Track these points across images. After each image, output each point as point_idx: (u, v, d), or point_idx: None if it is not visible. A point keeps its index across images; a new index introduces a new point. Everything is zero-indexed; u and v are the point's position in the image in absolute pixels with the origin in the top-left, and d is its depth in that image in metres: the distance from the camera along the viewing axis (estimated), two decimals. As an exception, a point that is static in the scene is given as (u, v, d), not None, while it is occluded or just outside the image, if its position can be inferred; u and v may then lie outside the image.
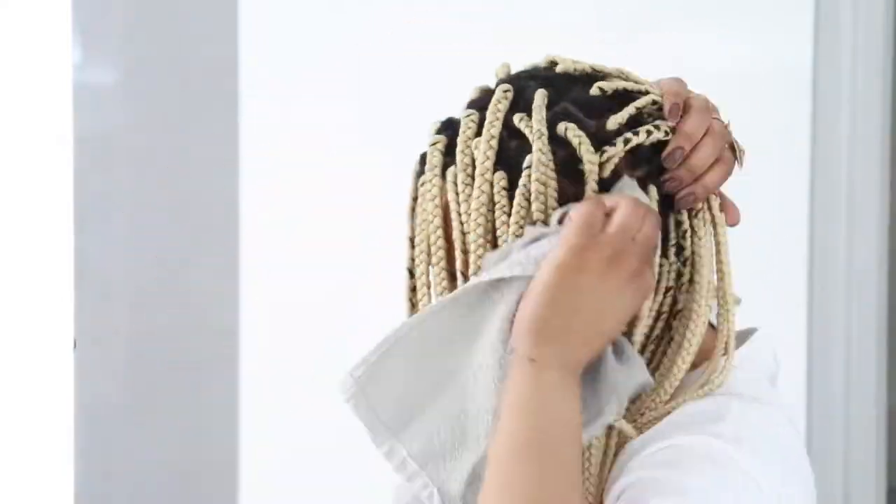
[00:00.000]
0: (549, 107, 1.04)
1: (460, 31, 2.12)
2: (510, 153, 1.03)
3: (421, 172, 1.08)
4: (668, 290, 1.08)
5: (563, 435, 0.97)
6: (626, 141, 1.03)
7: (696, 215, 1.10)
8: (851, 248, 2.02)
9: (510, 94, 1.06)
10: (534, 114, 1.03)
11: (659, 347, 1.07)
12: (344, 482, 2.15)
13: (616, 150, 1.02)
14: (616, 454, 1.03)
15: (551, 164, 1.02)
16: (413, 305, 1.08)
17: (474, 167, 1.04)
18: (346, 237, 2.21)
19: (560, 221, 1.00)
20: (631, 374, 1.02)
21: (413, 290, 1.08)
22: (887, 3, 2.01)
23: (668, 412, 1.04)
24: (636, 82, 1.10)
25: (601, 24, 2.07)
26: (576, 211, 0.99)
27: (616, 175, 1.03)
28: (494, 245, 1.03)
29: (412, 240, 1.08)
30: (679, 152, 1.04)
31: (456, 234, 1.04)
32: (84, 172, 1.45)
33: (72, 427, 0.99)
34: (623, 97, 1.07)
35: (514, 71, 1.10)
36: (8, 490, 0.95)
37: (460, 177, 1.04)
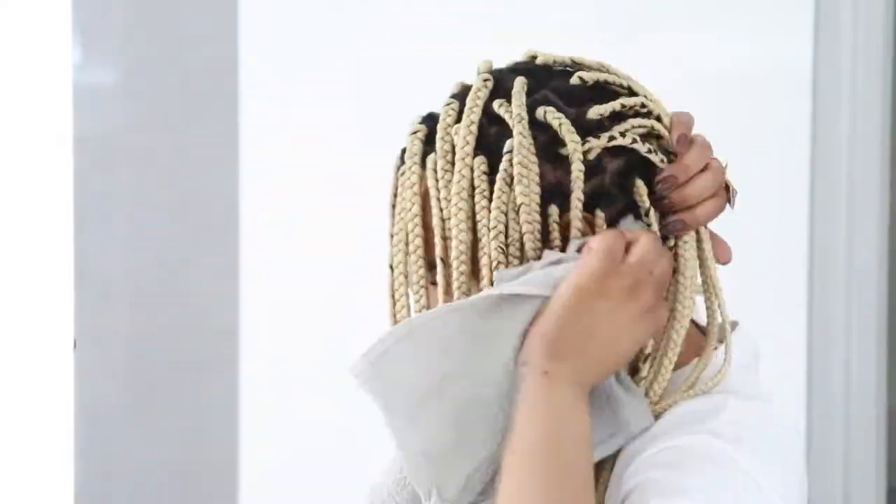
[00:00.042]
0: (528, 94, 1.04)
1: (460, 31, 2.12)
2: (490, 139, 1.03)
3: (401, 166, 1.08)
4: None
5: (577, 444, 0.98)
6: (611, 138, 1.03)
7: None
8: (851, 248, 2.02)
9: (490, 84, 1.06)
10: (513, 99, 1.03)
11: (643, 350, 1.07)
12: (344, 482, 2.14)
13: (599, 143, 1.02)
14: (615, 456, 1.04)
15: (532, 148, 1.01)
16: (395, 301, 1.08)
17: (454, 153, 1.04)
18: (346, 237, 2.21)
19: (579, 250, 1.01)
20: (634, 408, 1.02)
21: (393, 285, 1.08)
22: (887, 3, 2.01)
23: (661, 412, 1.04)
24: (616, 76, 1.09)
25: (601, 24, 2.07)
26: (598, 240, 1.00)
27: (599, 167, 1.03)
28: (474, 231, 1.03)
29: (392, 235, 1.08)
30: (672, 180, 1.05)
31: (436, 221, 1.04)
32: (84, 172, 1.44)
33: (72, 427, 0.99)
34: (604, 90, 1.07)
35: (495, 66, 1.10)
36: (8, 490, 0.95)
37: (440, 163, 1.04)
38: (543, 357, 0.98)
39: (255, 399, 2.32)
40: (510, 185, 1.01)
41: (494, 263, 1.02)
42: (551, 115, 1.02)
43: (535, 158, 1.02)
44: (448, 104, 1.07)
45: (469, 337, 1.02)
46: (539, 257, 1.02)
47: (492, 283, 1.02)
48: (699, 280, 1.14)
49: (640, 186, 1.05)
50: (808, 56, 1.98)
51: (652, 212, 1.04)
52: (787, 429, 1.09)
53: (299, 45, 2.28)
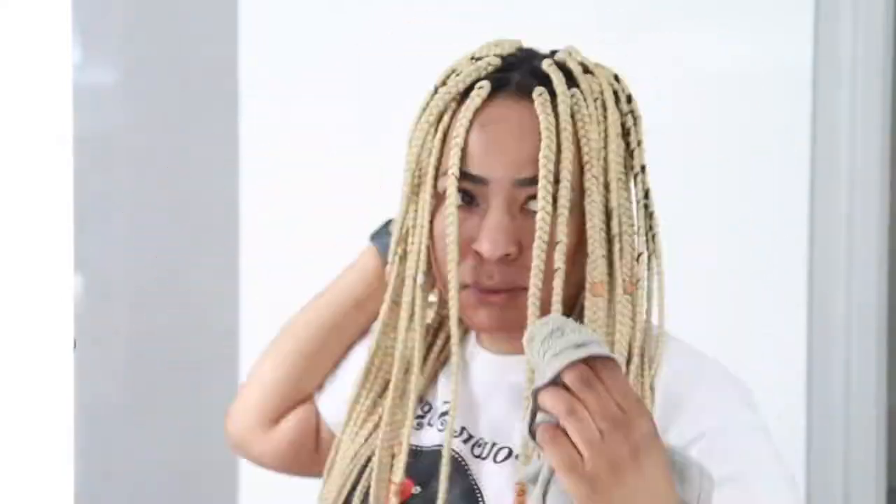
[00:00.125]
0: None
1: (460, 31, 2.12)
2: None
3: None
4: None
5: None
6: None
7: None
8: (851, 248, 2.02)
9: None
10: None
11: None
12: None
13: None
14: None
15: None
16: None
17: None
18: (346, 237, 2.21)
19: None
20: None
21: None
22: (887, 3, 2.01)
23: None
24: None
25: (601, 24, 2.07)
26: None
27: None
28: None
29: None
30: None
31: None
32: (84, 172, 1.44)
33: (72, 427, 0.99)
34: None
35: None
36: (8, 490, 0.95)
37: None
38: None
39: (255, 399, 2.31)
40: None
41: None
42: None
43: None
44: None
45: None
46: None
47: None
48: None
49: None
50: (808, 56, 1.98)
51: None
52: None
53: (299, 45, 2.28)
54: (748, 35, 2.02)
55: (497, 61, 1.19)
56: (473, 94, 1.16)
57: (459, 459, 1.20)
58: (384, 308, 1.25)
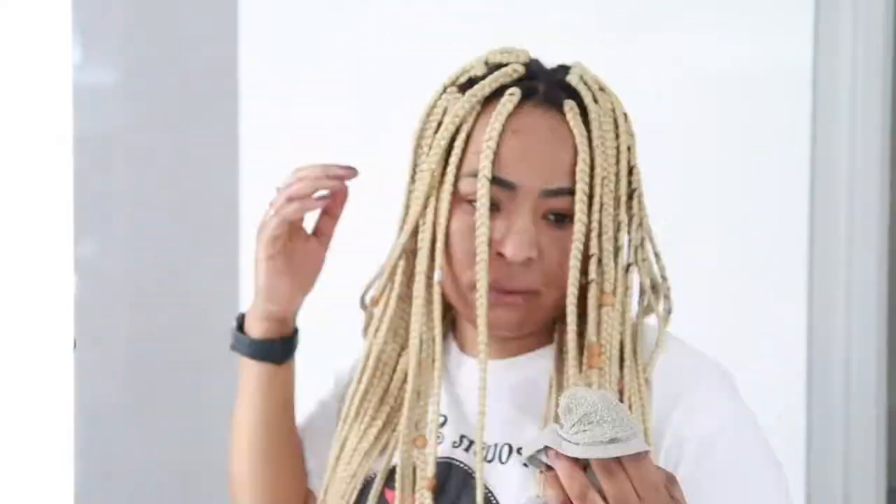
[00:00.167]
0: None
1: (460, 31, 2.12)
2: None
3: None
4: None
5: None
6: None
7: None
8: (851, 248, 2.02)
9: None
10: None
11: None
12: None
13: None
14: None
15: None
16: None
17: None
18: (345, 237, 2.21)
19: None
20: None
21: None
22: (887, 3, 2.01)
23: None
24: None
25: (601, 24, 2.07)
26: None
27: None
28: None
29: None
30: None
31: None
32: (84, 172, 1.44)
33: (72, 427, 0.99)
34: None
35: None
36: (8, 490, 0.95)
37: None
38: None
39: (255, 399, 2.31)
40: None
41: None
42: None
43: None
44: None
45: None
46: None
47: None
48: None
49: None
50: (808, 56, 1.98)
51: None
52: None
53: (299, 45, 2.28)
54: (748, 35, 2.02)
55: (522, 69, 1.22)
56: (504, 100, 1.19)
57: (466, 469, 1.21)
58: (390, 304, 1.26)
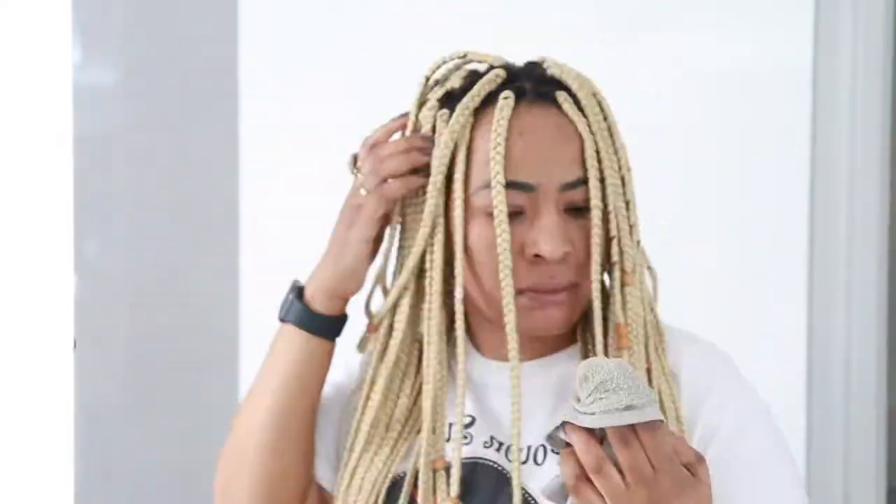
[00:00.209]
0: None
1: (460, 31, 2.12)
2: None
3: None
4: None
5: None
6: None
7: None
8: (851, 248, 2.02)
9: None
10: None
11: None
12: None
13: None
14: None
15: None
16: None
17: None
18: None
19: None
20: None
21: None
22: (887, 3, 2.01)
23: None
24: None
25: (601, 24, 2.07)
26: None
27: None
28: None
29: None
30: None
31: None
32: (84, 172, 1.44)
33: (72, 427, 0.99)
34: None
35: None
36: (8, 490, 0.95)
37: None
38: None
39: (255, 399, 2.31)
40: None
41: None
42: None
43: None
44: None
45: None
46: None
47: None
48: None
49: None
50: (808, 56, 1.98)
51: None
52: None
53: (299, 45, 2.28)
54: (748, 35, 2.02)
55: (503, 73, 1.22)
56: (501, 104, 1.20)
57: (499, 469, 1.21)
58: (398, 329, 1.26)
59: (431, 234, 1.22)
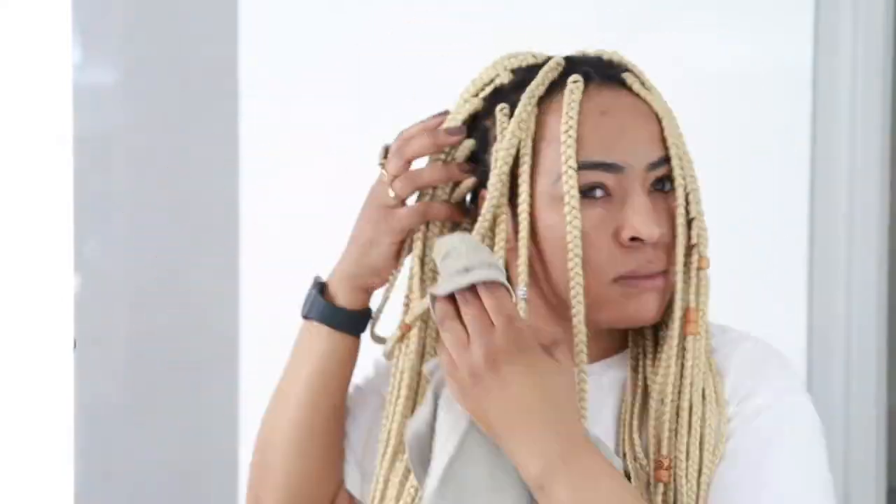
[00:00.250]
0: None
1: (460, 31, 2.12)
2: None
3: None
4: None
5: None
6: None
7: None
8: (851, 248, 2.02)
9: None
10: None
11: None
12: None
13: None
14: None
15: None
16: None
17: None
18: (346, 238, 2.21)
19: None
20: None
21: None
22: (887, 3, 2.01)
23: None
24: None
25: (601, 24, 2.07)
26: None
27: None
28: None
29: None
30: None
31: None
32: (84, 172, 1.44)
33: (72, 427, 0.99)
34: None
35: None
36: (8, 490, 0.95)
37: None
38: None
39: (255, 399, 2.31)
40: None
41: None
42: None
43: None
44: None
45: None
46: None
47: None
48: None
49: None
50: (808, 56, 1.98)
51: None
52: None
53: (299, 45, 2.28)
54: (748, 35, 2.02)
55: (563, 61, 1.19)
56: (570, 87, 1.15)
57: None
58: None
59: (492, 227, 1.17)
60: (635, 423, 1.16)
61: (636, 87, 1.19)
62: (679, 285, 1.15)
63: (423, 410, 1.10)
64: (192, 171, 2.46)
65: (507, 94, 1.19)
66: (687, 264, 1.17)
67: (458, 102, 1.22)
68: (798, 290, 2.00)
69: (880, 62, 2.01)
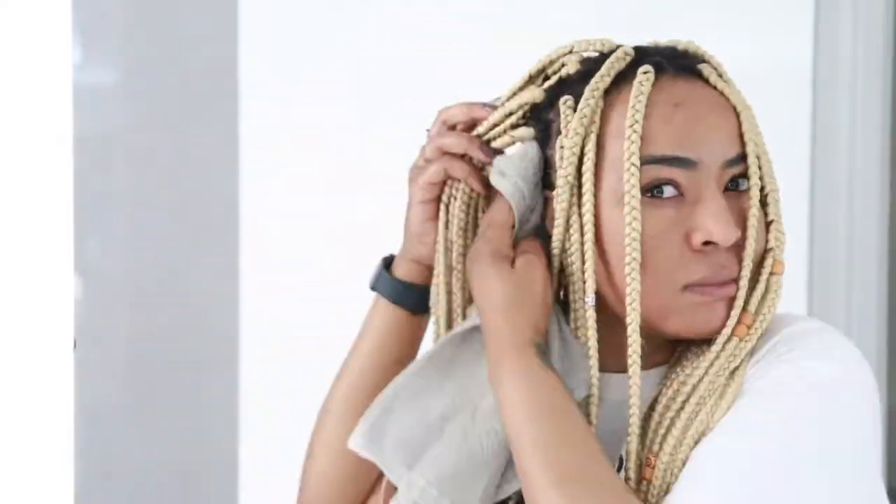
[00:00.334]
0: None
1: (460, 31, 2.12)
2: None
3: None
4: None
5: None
6: None
7: None
8: (851, 247, 2.02)
9: None
10: None
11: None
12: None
13: None
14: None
15: None
16: None
17: None
18: (346, 237, 2.21)
19: None
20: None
21: None
22: (887, 3, 2.01)
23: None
24: None
25: (601, 24, 2.07)
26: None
27: None
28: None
29: None
30: None
31: None
32: (84, 172, 1.44)
33: (72, 427, 0.99)
34: None
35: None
36: (8, 490, 0.95)
37: None
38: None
39: (255, 399, 2.32)
40: None
41: None
42: None
43: None
44: None
45: (453, 372, 1.13)
46: None
47: None
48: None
49: None
50: (808, 56, 1.98)
51: None
52: None
53: (299, 45, 2.28)
54: (748, 35, 2.02)
55: (632, 51, 1.11)
56: (640, 78, 1.07)
57: None
58: None
59: (565, 231, 1.10)
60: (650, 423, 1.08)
61: (713, 78, 1.10)
62: (741, 292, 1.08)
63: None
64: (192, 171, 2.46)
65: (573, 84, 1.11)
66: (757, 269, 1.11)
67: (513, 88, 1.15)
68: (798, 290, 2.00)
69: (880, 62, 2.01)
